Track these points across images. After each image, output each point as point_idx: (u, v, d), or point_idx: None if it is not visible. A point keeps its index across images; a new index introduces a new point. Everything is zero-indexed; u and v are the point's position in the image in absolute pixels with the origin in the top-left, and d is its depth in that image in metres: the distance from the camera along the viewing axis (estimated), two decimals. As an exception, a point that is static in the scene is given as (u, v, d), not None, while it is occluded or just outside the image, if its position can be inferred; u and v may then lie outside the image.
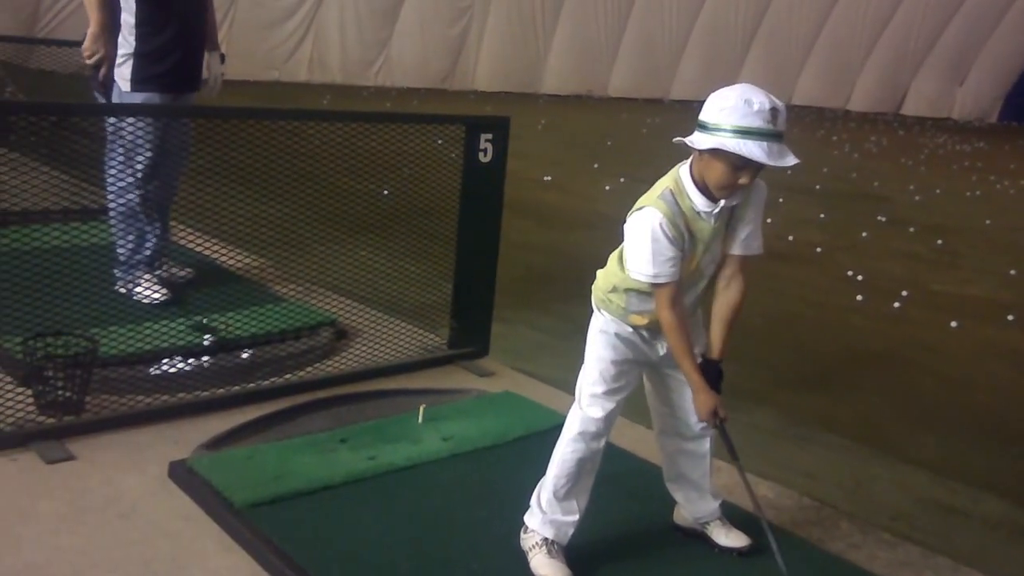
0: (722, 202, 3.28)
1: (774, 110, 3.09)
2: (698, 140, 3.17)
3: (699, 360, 3.42)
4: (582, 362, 3.60)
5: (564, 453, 3.54)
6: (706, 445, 3.69)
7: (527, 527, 3.59)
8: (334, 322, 5.77)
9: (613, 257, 3.53)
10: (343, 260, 5.69)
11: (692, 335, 3.42)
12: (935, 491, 4.94)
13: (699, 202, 3.29)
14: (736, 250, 3.41)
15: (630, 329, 3.50)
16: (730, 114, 3.09)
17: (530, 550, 3.54)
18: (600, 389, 3.52)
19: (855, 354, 7.19)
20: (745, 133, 3.06)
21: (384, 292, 5.86)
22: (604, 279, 3.54)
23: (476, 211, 5.54)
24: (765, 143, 3.06)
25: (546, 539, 3.52)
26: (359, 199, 6.01)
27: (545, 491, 3.56)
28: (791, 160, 3.09)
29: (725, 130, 3.09)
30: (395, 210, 6.77)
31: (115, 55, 5.67)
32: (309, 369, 5.25)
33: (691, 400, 3.51)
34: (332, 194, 5.71)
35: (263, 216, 5.78)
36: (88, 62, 5.63)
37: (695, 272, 3.42)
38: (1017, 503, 4.91)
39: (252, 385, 4.95)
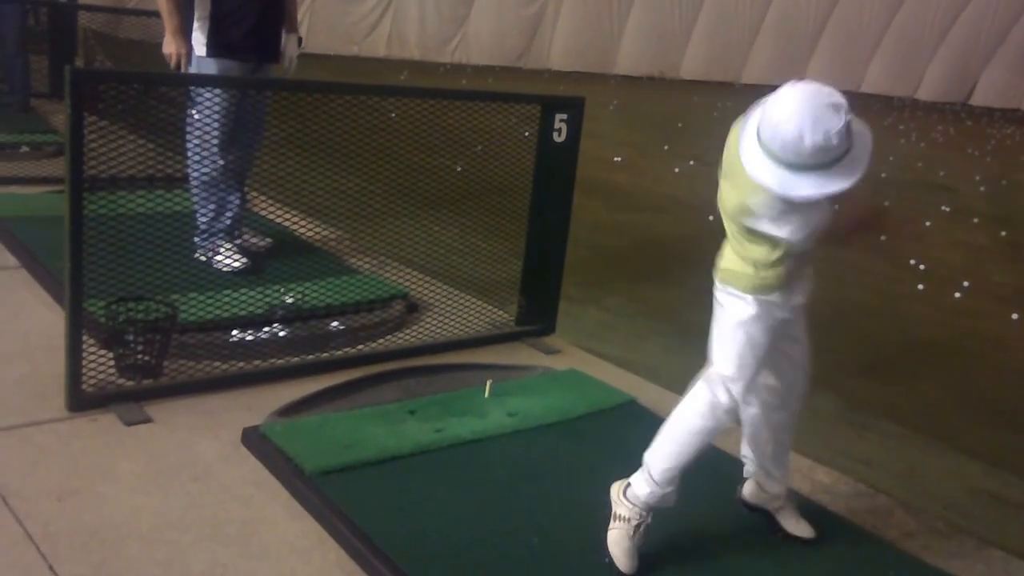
0: None
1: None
2: None
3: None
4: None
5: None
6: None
7: (627, 497, 3.50)
8: (406, 295, 5.85)
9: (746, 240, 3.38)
10: (416, 235, 5.77)
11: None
12: (990, 483, 4.94)
13: None
14: None
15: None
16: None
17: (615, 520, 3.49)
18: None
19: (916, 343, 7.17)
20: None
21: (455, 267, 5.93)
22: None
23: (548, 190, 5.59)
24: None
25: (640, 518, 3.47)
26: (433, 175, 6.07)
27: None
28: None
29: None
30: (467, 187, 6.82)
31: (190, 45, 5.77)
32: (381, 341, 5.33)
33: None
34: (407, 169, 5.78)
35: (339, 189, 5.87)
36: (171, 63, 5.75)
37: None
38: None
39: (325, 355, 5.05)
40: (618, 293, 6.93)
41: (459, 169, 7.26)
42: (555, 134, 5.48)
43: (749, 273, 3.36)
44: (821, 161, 3.02)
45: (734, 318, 3.42)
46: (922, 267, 9.28)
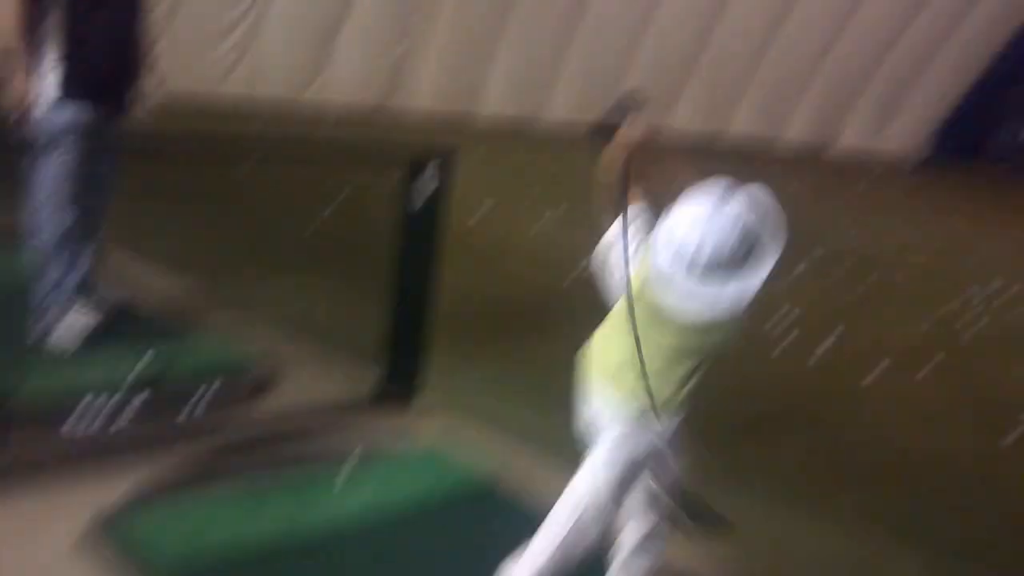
0: None
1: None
2: None
3: None
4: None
5: None
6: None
7: None
8: (257, 365, 5.59)
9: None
10: (274, 295, 5.54)
11: None
12: (851, 547, 4.93)
13: None
14: None
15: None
16: None
17: None
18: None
19: (779, 400, 7.08)
20: None
21: (314, 331, 5.71)
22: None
23: (414, 249, 5.41)
24: None
25: None
26: (291, 230, 5.86)
27: None
28: None
29: None
30: (330, 241, 6.62)
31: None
32: (229, 417, 5.06)
33: None
34: (264, 224, 5.56)
35: (197, 241, 5.62)
36: (20, 106, 5.46)
37: None
38: (932, 560, 4.95)
39: (169, 435, 4.75)
40: (487, 352, 6.73)
41: (319, 220, 7.00)
42: (420, 190, 5.30)
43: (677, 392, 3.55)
44: (752, 243, 3.08)
45: (628, 444, 3.49)
46: (778, 326, 9.04)
